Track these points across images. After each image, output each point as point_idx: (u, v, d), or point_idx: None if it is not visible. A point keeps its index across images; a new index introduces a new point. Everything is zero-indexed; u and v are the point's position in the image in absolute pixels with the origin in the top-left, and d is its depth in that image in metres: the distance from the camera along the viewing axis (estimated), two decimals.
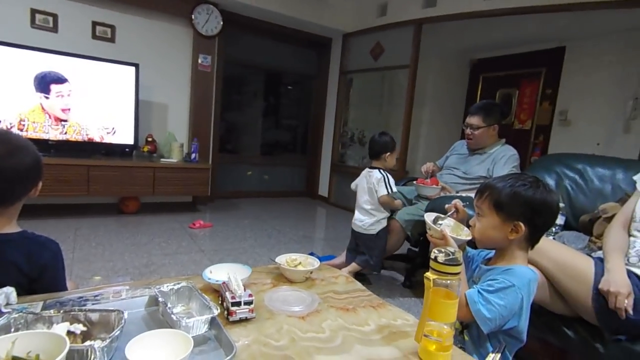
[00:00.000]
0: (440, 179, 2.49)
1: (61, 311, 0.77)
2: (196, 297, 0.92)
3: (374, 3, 4.22)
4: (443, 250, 0.81)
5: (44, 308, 0.83)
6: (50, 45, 3.08)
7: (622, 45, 3.50)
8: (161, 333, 0.74)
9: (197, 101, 3.91)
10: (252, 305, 0.90)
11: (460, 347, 0.95)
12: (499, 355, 0.82)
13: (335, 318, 0.96)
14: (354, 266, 2.33)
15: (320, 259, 1.87)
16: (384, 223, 2.30)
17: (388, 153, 2.27)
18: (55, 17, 3.20)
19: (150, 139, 3.62)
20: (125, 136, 3.35)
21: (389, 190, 2.20)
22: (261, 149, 5.17)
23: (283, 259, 1.20)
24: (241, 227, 3.46)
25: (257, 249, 2.92)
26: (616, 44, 3.54)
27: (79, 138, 3.18)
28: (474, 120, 2.35)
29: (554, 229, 1.78)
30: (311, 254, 2.23)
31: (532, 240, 1.00)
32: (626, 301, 1.18)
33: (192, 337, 0.73)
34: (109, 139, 3.30)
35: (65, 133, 3.12)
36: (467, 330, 1.02)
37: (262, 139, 5.18)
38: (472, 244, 1.10)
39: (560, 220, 1.82)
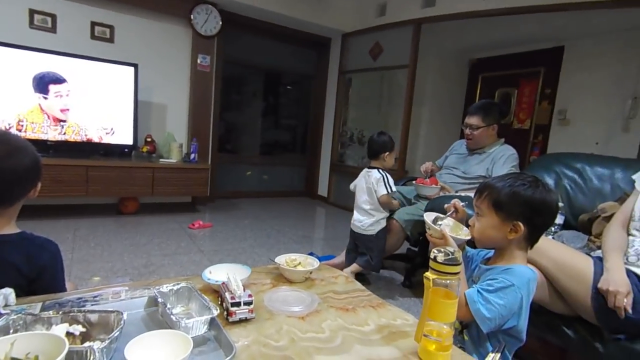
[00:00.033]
0: (440, 178, 2.49)
1: (60, 312, 0.77)
2: (196, 298, 0.91)
3: (373, 3, 4.22)
4: (442, 250, 0.81)
5: (43, 309, 0.83)
6: (49, 45, 3.08)
7: (621, 44, 3.50)
8: (160, 334, 0.74)
9: (196, 101, 3.90)
10: (251, 306, 0.90)
11: (460, 347, 0.95)
12: (498, 355, 0.82)
13: (335, 318, 0.96)
14: (355, 267, 2.32)
15: (320, 259, 1.87)
16: (383, 223, 2.29)
17: (387, 153, 2.27)
18: (53, 17, 3.19)
19: (149, 139, 3.61)
20: (124, 136, 3.35)
21: (389, 190, 2.19)
22: (260, 149, 5.17)
23: (282, 259, 1.20)
24: (241, 227, 3.45)
25: (257, 249, 2.92)
26: (615, 43, 3.54)
27: (78, 138, 3.17)
28: (473, 120, 2.35)
29: (553, 229, 1.78)
30: (311, 254, 2.23)
31: (531, 239, 1.00)
32: (625, 300, 1.18)
33: (192, 337, 0.73)
34: (108, 140, 3.29)
35: (64, 133, 3.11)
36: (467, 329, 1.02)
37: (262, 139, 5.18)
38: (471, 243, 1.10)
39: (559, 219, 1.82)
